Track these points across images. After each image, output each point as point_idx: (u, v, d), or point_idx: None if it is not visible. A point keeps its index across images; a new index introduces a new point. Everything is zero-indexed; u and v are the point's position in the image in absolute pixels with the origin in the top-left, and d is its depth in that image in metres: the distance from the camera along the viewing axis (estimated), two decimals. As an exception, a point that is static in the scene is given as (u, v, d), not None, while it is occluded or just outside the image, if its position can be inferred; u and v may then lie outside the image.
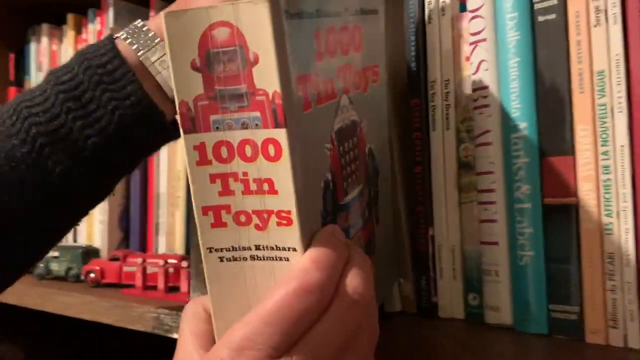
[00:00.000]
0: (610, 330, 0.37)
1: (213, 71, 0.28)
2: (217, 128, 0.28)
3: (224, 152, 0.28)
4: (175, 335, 0.50)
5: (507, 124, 0.41)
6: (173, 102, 0.30)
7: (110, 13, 0.74)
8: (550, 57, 0.39)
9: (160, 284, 0.57)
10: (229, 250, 0.29)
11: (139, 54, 0.37)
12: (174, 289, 0.58)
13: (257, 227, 0.28)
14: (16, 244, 0.38)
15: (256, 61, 0.27)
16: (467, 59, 0.43)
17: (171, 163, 0.68)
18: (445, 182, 0.44)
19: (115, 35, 0.38)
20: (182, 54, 0.28)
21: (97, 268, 0.62)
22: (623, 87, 0.36)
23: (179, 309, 0.52)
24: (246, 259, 0.29)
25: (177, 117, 0.29)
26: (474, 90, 0.43)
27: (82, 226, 0.76)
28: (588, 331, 0.38)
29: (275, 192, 0.28)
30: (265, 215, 0.28)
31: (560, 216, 0.39)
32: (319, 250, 0.27)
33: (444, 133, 0.44)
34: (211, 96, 0.28)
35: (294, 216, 0.27)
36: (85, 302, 0.58)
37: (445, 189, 0.44)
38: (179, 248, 0.66)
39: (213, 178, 0.28)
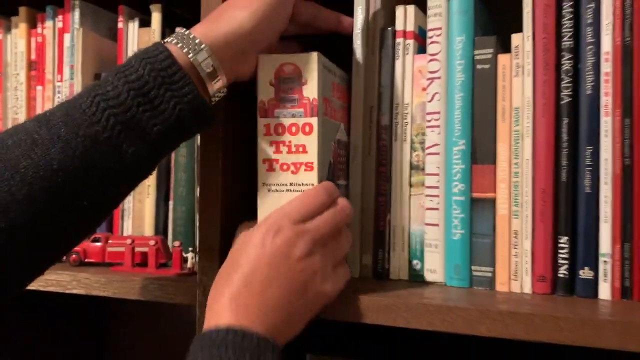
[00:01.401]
0: (512, 282, 0.55)
1: (281, 87, 0.52)
2: (277, 117, 0.53)
3: (279, 129, 0.53)
4: (178, 301, 0.60)
5: (450, 140, 0.58)
6: (209, 92, 0.50)
7: (76, 13, 0.79)
8: (483, 95, 0.56)
9: (152, 261, 0.65)
10: (275, 185, 0.53)
11: (189, 56, 0.48)
12: (162, 265, 0.67)
13: (292, 172, 0.52)
14: (92, 208, 0.47)
15: (305, 83, 0.52)
16: (424, 89, 0.59)
17: (139, 154, 0.75)
18: (401, 180, 0.60)
19: (165, 41, 0.49)
20: (266, 77, 0.53)
21: (80, 249, 0.68)
22: (531, 120, 0.54)
23: (177, 279, 0.61)
24: (284, 191, 0.53)
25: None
26: (428, 113, 0.59)
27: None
28: (498, 283, 0.56)
29: (306, 152, 0.52)
30: (299, 165, 0.52)
31: (483, 205, 0.57)
32: (325, 183, 0.52)
33: (402, 143, 0.60)
34: (278, 99, 0.52)
35: (315, 165, 0.52)
36: (78, 279, 0.64)
37: (401, 185, 0.60)
38: (149, 231, 0.74)
39: (271, 143, 0.53)
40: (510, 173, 0.55)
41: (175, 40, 0.49)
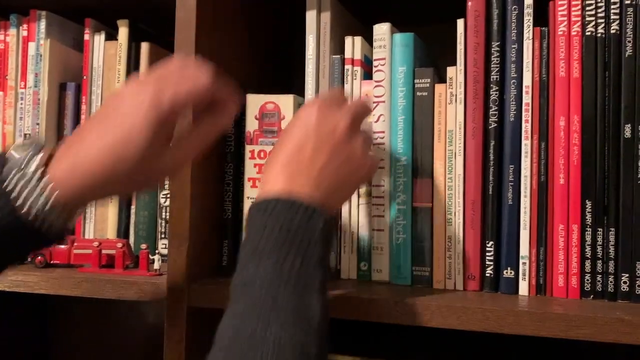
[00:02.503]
0: (447, 280, 0.64)
1: (263, 120, 0.63)
2: (260, 144, 0.62)
3: (262, 154, 0.63)
4: (148, 299, 0.65)
5: (394, 156, 0.66)
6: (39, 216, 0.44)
7: (42, 23, 0.82)
8: (422, 118, 0.65)
9: (119, 263, 0.70)
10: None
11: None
12: (127, 267, 0.71)
13: None
14: None
15: (284, 118, 0.63)
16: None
17: (103, 161, 0.80)
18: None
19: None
20: (252, 112, 0.64)
21: (46, 251, 0.72)
22: (462, 141, 0.63)
23: (147, 280, 0.66)
24: None
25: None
26: (374, 132, 0.67)
27: None
28: (435, 281, 0.65)
29: None
30: None
31: (422, 214, 0.65)
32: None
33: (352, 157, 0.68)
34: (261, 130, 0.62)
35: None
36: (47, 279, 0.68)
37: (351, 194, 0.68)
38: (111, 235, 0.78)
39: (255, 165, 0.64)
40: (445, 186, 0.64)
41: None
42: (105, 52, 0.80)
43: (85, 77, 0.81)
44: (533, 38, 0.61)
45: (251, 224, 0.46)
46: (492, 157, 0.63)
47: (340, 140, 0.51)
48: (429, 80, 0.65)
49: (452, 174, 0.64)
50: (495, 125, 0.62)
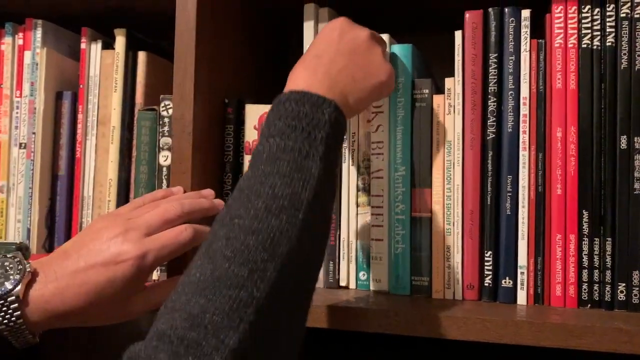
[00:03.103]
0: (446, 290, 0.64)
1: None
2: None
3: None
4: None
5: (393, 166, 0.66)
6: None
7: (38, 32, 0.82)
8: (421, 128, 0.65)
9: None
10: None
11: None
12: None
13: None
14: None
15: None
16: (369, 121, 0.68)
17: (99, 171, 0.79)
18: (348, 200, 0.68)
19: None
20: (251, 122, 0.65)
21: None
22: (460, 152, 0.64)
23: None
24: None
25: None
26: (373, 142, 0.67)
27: None
28: (434, 291, 0.65)
29: None
30: None
31: (421, 224, 0.65)
32: None
33: (350, 168, 0.68)
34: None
35: None
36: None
37: (349, 204, 0.68)
38: (108, 242, 0.78)
39: None
40: (444, 196, 0.65)
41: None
42: (102, 61, 0.80)
43: (82, 86, 0.80)
44: (530, 50, 0.62)
45: (268, 115, 0.49)
46: (490, 167, 0.63)
47: (360, 46, 0.56)
48: (427, 91, 0.65)
49: (450, 184, 0.64)
50: (494, 136, 0.63)
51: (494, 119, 0.63)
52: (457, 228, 0.64)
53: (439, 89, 0.66)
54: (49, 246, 0.80)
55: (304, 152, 0.45)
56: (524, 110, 0.62)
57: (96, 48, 0.81)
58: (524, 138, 0.62)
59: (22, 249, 0.67)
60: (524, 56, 0.62)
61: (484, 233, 0.63)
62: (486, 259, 0.63)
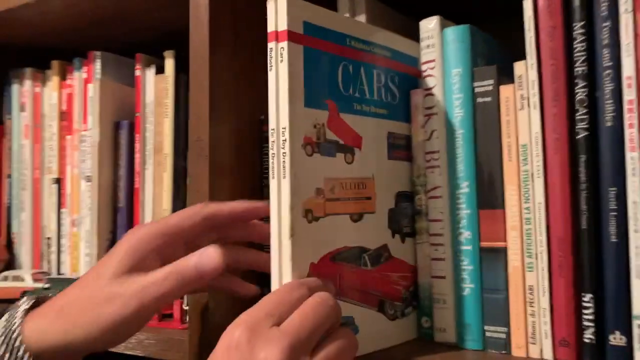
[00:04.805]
0: (530, 346, 0.48)
1: None
2: None
3: None
4: (169, 357, 0.57)
5: (453, 182, 0.51)
6: None
7: (97, 64, 0.81)
8: (486, 131, 0.50)
9: (176, 314, 0.63)
10: None
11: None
12: (168, 316, 0.65)
13: None
14: None
15: None
16: (422, 126, 0.54)
17: (157, 201, 0.74)
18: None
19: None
20: None
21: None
22: (541, 158, 0.47)
23: (170, 335, 0.59)
24: None
25: None
26: (427, 153, 0.53)
27: (66, 257, 0.82)
28: (514, 346, 0.49)
29: None
30: None
31: (494, 256, 0.50)
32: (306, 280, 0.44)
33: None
34: None
35: None
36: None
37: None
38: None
39: None
40: (522, 219, 0.48)
41: (3, 337, 0.45)
42: (156, 86, 0.76)
43: (138, 114, 0.77)
44: (634, 9, 0.44)
45: None
46: (583, 177, 0.46)
47: None
48: (491, 81, 0.50)
49: (529, 202, 0.48)
50: (586, 133, 0.46)
51: (585, 110, 0.46)
52: (541, 262, 0.47)
53: (508, 78, 0.50)
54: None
55: None
56: (629, 94, 0.44)
57: (150, 74, 0.77)
58: (630, 134, 0.44)
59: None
60: (625, 20, 0.44)
61: (579, 268, 0.46)
62: (585, 304, 0.45)
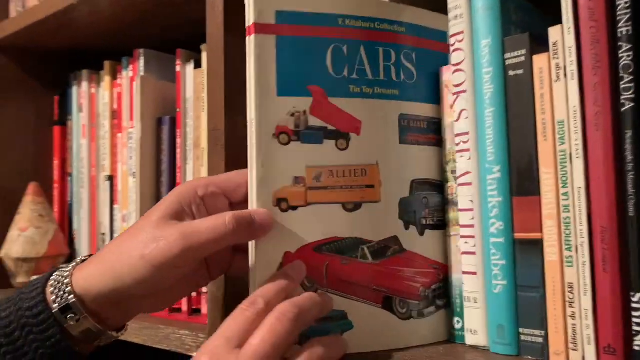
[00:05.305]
0: (571, 352, 0.41)
1: None
2: None
3: None
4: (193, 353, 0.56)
5: (483, 166, 0.46)
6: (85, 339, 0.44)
7: (141, 62, 0.82)
8: (518, 108, 0.44)
9: (184, 307, 0.62)
10: None
11: (54, 305, 0.44)
12: (196, 311, 0.63)
13: None
14: None
15: None
16: (451, 107, 0.49)
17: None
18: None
19: (50, 276, 0.46)
20: None
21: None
22: (580, 136, 0.41)
23: (200, 329, 0.57)
24: None
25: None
26: (456, 135, 0.48)
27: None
28: (552, 353, 0.42)
29: None
30: None
31: (528, 249, 0.44)
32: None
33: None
34: None
35: None
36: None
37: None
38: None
39: None
40: (559, 206, 0.42)
41: (52, 282, 0.45)
42: (195, 81, 0.75)
43: (178, 110, 0.77)
44: (690, -43, 0.37)
45: None
46: (630, 156, 0.39)
47: None
48: (524, 51, 0.44)
49: (568, 187, 0.42)
50: (632, 105, 0.39)
51: (631, 78, 0.39)
52: (582, 256, 0.41)
53: (544, 47, 0.44)
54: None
55: None
56: (685, 56, 0.37)
57: (190, 69, 0.77)
58: (687, 103, 0.37)
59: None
60: (679, -31, 0.38)
61: (627, 263, 0.39)
62: (634, 305, 0.39)
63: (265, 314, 0.40)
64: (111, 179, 0.88)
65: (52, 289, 0.44)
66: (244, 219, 0.43)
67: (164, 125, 0.79)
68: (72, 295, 0.43)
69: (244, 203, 0.46)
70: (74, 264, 0.46)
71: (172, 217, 0.44)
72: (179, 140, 0.77)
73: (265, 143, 0.44)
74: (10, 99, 0.98)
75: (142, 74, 0.81)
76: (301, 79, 0.45)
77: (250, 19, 0.45)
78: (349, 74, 0.46)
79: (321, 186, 0.44)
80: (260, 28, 0.44)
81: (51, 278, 0.45)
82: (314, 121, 0.45)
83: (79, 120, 0.95)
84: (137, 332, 0.63)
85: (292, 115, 0.44)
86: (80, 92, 0.94)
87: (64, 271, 0.45)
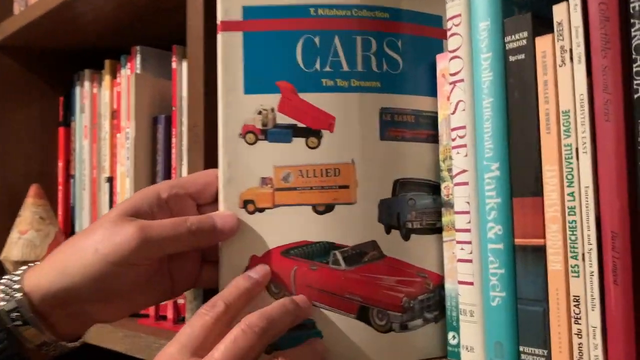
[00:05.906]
0: (578, 376, 0.36)
1: None
2: None
3: None
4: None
5: (480, 163, 0.41)
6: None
7: (138, 59, 0.79)
8: (519, 97, 0.40)
9: (170, 315, 0.59)
10: None
11: (2, 303, 0.40)
12: (183, 320, 0.60)
13: None
14: None
15: None
16: (448, 98, 0.44)
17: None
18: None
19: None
20: None
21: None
22: (587, 127, 0.36)
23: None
24: None
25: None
26: (452, 129, 0.43)
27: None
28: (556, 375, 0.37)
29: None
30: None
31: (530, 257, 0.39)
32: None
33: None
34: None
35: None
36: (103, 332, 0.61)
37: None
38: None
39: None
40: (564, 208, 0.37)
41: (4, 279, 0.42)
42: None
43: (174, 108, 0.74)
44: None
45: None
46: (645, 150, 0.34)
47: None
48: (525, 34, 0.39)
49: (574, 186, 0.37)
50: (649, 91, 0.34)
51: (647, 60, 0.34)
52: (590, 265, 0.36)
53: (548, 29, 0.39)
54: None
55: None
56: None
57: (186, 66, 0.73)
58: None
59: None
60: None
61: (641, 273, 0.34)
62: (649, 322, 0.33)
63: (225, 317, 0.38)
64: (110, 180, 0.86)
65: (2, 287, 0.41)
66: (206, 221, 0.40)
67: (159, 124, 0.76)
68: (20, 293, 0.40)
69: (213, 204, 0.43)
70: (26, 267, 0.43)
71: (132, 215, 0.41)
72: (174, 140, 0.74)
73: (231, 143, 0.42)
74: (15, 101, 0.97)
75: (138, 71, 0.78)
76: (270, 76, 0.42)
77: (218, 17, 0.43)
78: (321, 67, 0.42)
79: (290, 187, 0.41)
80: (226, 26, 0.43)
81: (4, 277, 0.42)
82: (283, 119, 0.42)
83: (81, 121, 0.93)
84: (121, 340, 0.60)
85: (260, 113, 0.42)
86: (82, 93, 0.93)
87: (19, 271, 0.42)
